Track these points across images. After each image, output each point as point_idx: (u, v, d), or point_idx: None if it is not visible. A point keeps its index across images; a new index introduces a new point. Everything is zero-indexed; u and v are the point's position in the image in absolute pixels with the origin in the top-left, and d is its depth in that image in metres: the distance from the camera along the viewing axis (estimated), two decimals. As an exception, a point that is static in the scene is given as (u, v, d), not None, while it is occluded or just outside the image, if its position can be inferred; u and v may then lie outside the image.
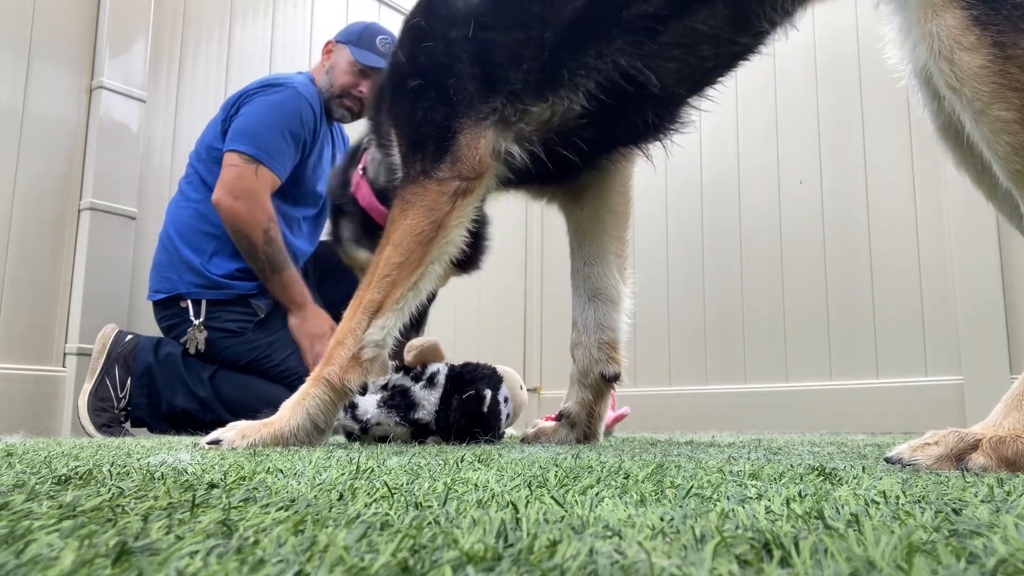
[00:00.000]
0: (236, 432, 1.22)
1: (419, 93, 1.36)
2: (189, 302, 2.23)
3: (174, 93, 2.71)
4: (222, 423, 2.14)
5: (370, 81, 2.45)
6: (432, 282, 1.32)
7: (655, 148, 1.54)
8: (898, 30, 1.07)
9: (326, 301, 2.34)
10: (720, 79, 1.39)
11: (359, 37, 2.49)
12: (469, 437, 1.51)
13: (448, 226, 1.28)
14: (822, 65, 3.27)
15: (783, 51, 3.38)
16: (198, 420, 2.14)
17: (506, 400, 1.58)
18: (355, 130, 2.16)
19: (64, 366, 2.33)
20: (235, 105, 2.32)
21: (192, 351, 2.20)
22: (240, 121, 2.27)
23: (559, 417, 1.62)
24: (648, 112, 1.40)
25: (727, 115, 3.46)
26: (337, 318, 2.40)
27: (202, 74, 2.78)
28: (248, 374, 2.26)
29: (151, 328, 2.35)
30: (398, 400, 1.52)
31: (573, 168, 1.45)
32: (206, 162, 2.32)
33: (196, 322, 2.20)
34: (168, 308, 2.26)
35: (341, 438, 1.61)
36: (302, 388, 1.28)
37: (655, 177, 3.66)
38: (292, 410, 1.24)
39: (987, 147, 0.96)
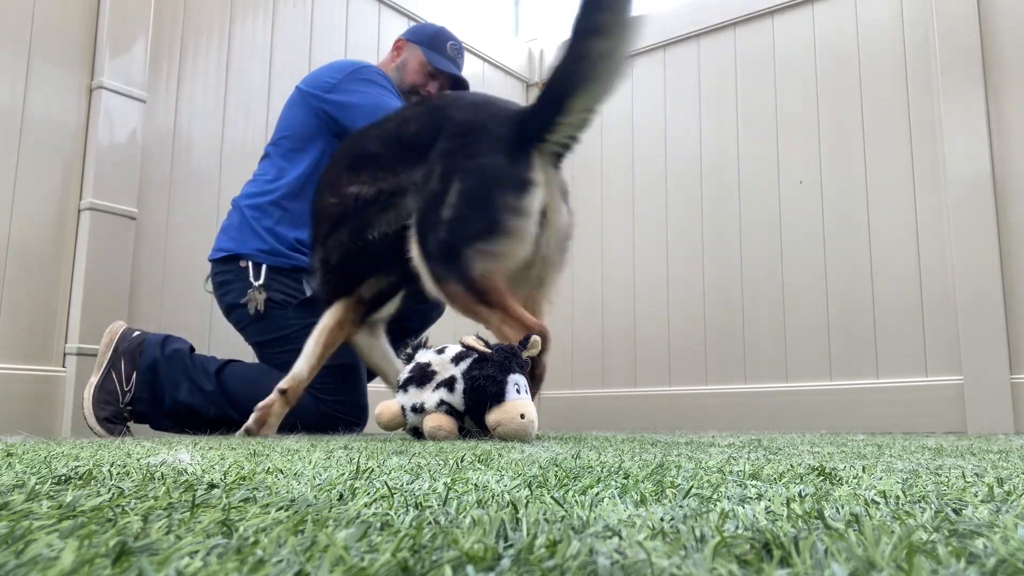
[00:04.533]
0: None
1: None
2: (250, 263, 2.31)
3: (174, 93, 2.70)
4: (226, 419, 2.15)
5: (437, 83, 2.57)
6: None
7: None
8: None
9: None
10: None
11: (432, 40, 2.59)
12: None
13: None
14: (822, 65, 3.27)
15: (783, 51, 3.38)
16: (201, 418, 2.14)
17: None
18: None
19: (64, 366, 2.33)
20: (328, 94, 2.38)
21: (252, 312, 2.28)
22: (355, 109, 2.33)
23: None
24: None
25: (727, 115, 3.46)
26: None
27: (202, 74, 2.78)
28: (262, 356, 2.33)
29: (152, 328, 2.35)
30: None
31: None
32: (279, 146, 2.43)
33: (256, 283, 2.28)
34: (227, 264, 2.35)
35: (342, 439, 1.61)
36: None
37: (655, 177, 3.66)
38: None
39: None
